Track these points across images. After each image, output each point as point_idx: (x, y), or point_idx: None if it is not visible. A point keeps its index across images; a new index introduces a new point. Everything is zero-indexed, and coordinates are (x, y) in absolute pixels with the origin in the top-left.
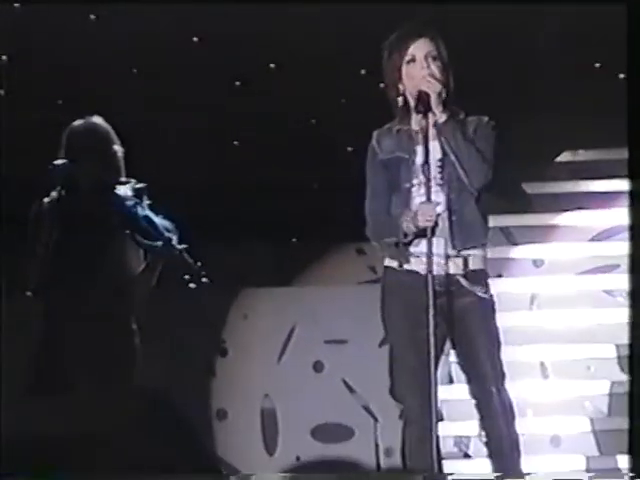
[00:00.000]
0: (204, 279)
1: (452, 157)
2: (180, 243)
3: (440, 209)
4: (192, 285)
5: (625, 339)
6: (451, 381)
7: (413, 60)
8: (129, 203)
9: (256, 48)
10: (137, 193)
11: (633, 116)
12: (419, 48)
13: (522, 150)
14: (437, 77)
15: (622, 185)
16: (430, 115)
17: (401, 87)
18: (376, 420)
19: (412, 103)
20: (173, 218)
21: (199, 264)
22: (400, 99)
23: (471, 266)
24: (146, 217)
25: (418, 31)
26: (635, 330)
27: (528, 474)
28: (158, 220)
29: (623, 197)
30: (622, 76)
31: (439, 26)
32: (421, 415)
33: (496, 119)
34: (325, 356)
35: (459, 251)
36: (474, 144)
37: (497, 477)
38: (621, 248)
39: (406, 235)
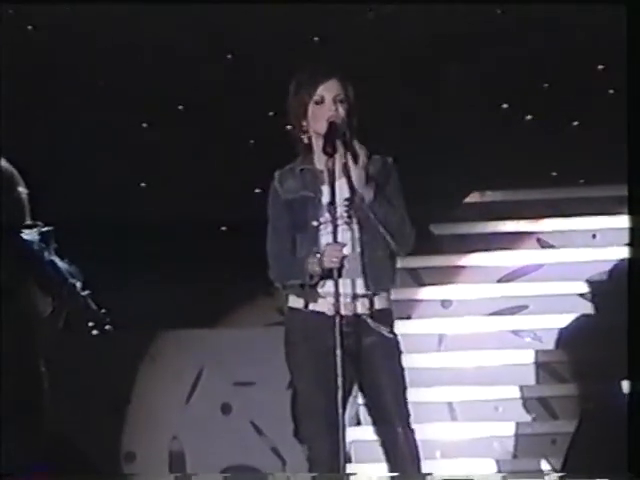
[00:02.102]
0: (107, 326)
1: (381, 230)
2: (85, 288)
3: (346, 250)
4: (95, 332)
5: (532, 380)
6: (359, 423)
7: (322, 101)
8: (35, 247)
9: (165, 90)
10: (43, 237)
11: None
12: (328, 89)
13: (429, 191)
14: (344, 120)
15: (529, 226)
16: (337, 155)
17: (305, 124)
18: (284, 462)
19: (316, 143)
20: (78, 263)
21: (103, 311)
22: (304, 137)
23: (377, 305)
24: (51, 262)
25: (328, 72)
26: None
27: None
28: (63, 265)
29: (531, 238)
30: (529, 117)
31: (347, 67)
32: (329, 458)
33: (403, 159)
34: (233, 398)
35: (370, 291)
36: (391, 202)
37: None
38: (529, 288)
39: (312, 277)
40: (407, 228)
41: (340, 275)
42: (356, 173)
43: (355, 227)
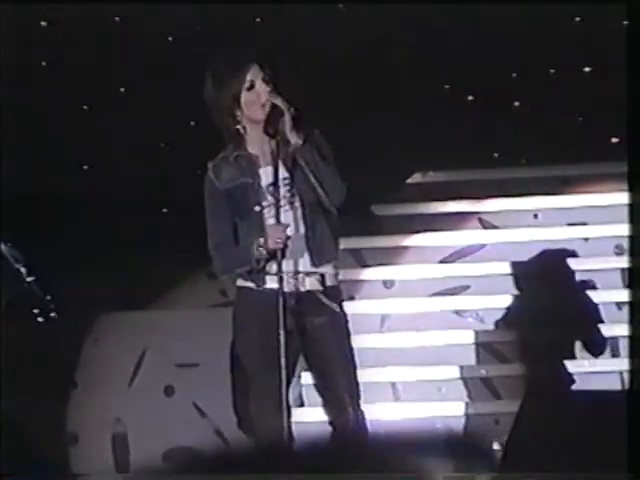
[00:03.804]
0: (52, 314)
1: (311, 178)
2: (30, 274)
3: (290, 230)
4: (40, 319)
5: (474, 360)
6: (302, 404)
7: (252, 86)
8: None
9: (108, 72)
10: None
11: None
12: (254, 73)
13: (372, 172)
14: (281, 98)
15: (471, 206)
16: (278, 135)
17: (238, 114)
18: (227, 444)
19: (250, 128)
20: (22, 247)
21: (48, 298)
22: (237, 127)
23: (328, 282)
24: None
25: (249, 57)
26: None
27: None
28: (6, 249)
29: (473, 218)
30: (471, 98)
31: (265, 51)
32: (274, 438)
33: (345, 140)
34: (176, 380)
35: (317, 267)
36: (327, 160)
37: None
38: (471, 269)
39: (258, 261)
40: (337, 179)
41: (284, 255)
42: (309, 155)
43: (298, 206)
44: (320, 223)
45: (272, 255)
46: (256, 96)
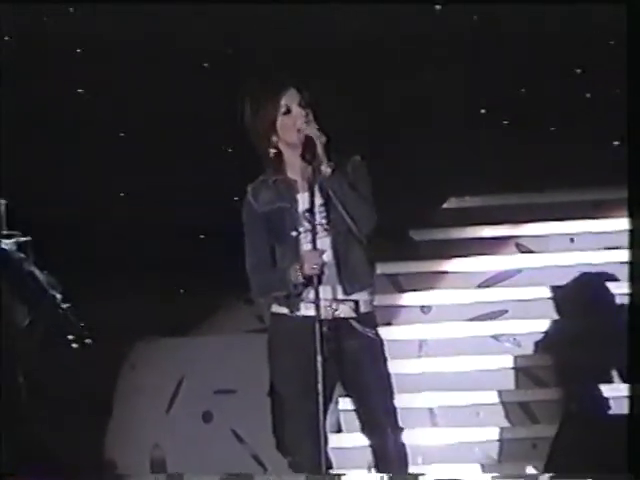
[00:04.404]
0: (87, 340)
1: (339, 207)
2: (65, 301)
3: (326, 256)
4: (75, 345)
5: (512, 385)
6: (340, 430)
7: (289, 111)
8: (13, 257)
9: (143, 99)
10: (21, 247)
11: None
12: (291, 98)
13: (409, 197)
14: (316, 124)
15: (508, 231)
16: (314, 162)
17: (274, 139)
18: (265, 469)
19: (287, 153)
20: (56, 274)
21: (82, 324)
22: (273, 151)
23: (362, 309)
24: (30, 273)
25: (285, 81)
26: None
27: None
28: (42, 276)
29: (510, 242)
30: (507, 122)
31: (302, 75)
32: (311, 464)
33: (381, 165)
34: (214, 406)
35: (349, 295)
36: (357, 189)
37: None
38: (508, 293)
39: (295, 286)
40: (366, 208)
41: (321, 282)
42: (337, 183)
43: (332, 232)
44: (354, 250)
45: (308, 281)
46: (292, 121)
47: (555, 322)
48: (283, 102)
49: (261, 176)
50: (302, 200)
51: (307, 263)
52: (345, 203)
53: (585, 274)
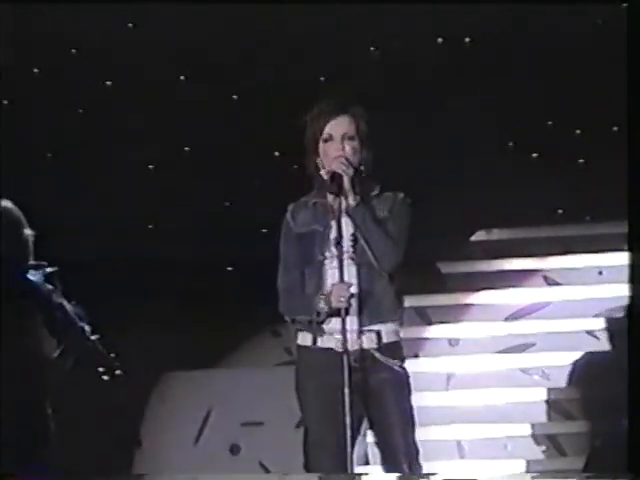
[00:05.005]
0: (118, 371)
1: (362, 241)
2: (94, 332)
3: (353, 289)
4: (105, 377)
5: (543, 418)
6: (367, 462)
7: (330, 139)
8: (42, 288)
9: (171, 131)
10: (48, 278)
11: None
12: (336, 127)
13: (436, 229)
14: (350, 160)
15: (536, 263)
16: (342, 195)
17: (319, 162)
18: None
19: (326, 180)
20: (85, 305)
21: (112, 355)
22: (319, 173)
23: (385, 339)
24: (59, 304)
25: (338, 108)
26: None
27: None
28: (70, 307)
29: (537, 275)
30: (535, 155)
31: (360, 103)
32: None
33: (409, 197)
34: (242, 438)
35: (369, 325)
36: (385, 225)
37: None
38: (536, 326)
39: (319, 314)
40: (390, 246)
41: (347, 313)
42: (360, 217)
43: (359, 263)
44: (379, 282)
45: (334, 312)
46: (331, 149)
47: (583, 355)
48: (326, 129)
49: (304, 197)
50: (345, 226)
51: (335, 295)
52: (368, 238)
53: (613, 307)
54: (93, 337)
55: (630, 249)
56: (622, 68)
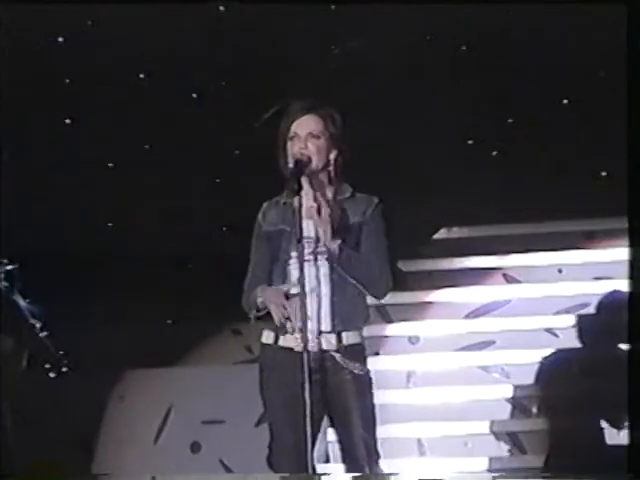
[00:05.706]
0: (64, 369)
1: (349, 279)
2: (44, 329)
3: (295, 291)
4: (52, 374)
5: (503, 415)
6: (328, 460)
7: (295, 136)
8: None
9: (132, 128)
10: (8, 275)
11: None
12: (301, 125)
13: (397, 228)
14: (312, 157)
15: (496, 262)
16: (302, 192)
17: (288, 159)
18: None
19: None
20: (43, 303)
21: (61, 352)
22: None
23: (345, 342)
24: (14, 302)
25: (305, 108)
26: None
27: None
28: (24, 304)
29: (497, 273)
30: (495, 153)
31: (330, 103)
32: None
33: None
34: (202, 436)
35: (335, 330)
36: (366, 250)
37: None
38: (496, 324)
39: (258, 310)
40: (376, 273)
41: (306, 315)
42: (322, 224)
43: (324, 264)
44: (353, 288)
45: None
46: (295, 147)
47: (543, 353)
48: (292, 128)
49: (277, 197)
50: (306, 226)
51: (267, 297)
52: (356, 277)
53: (574, 305)
54: (42, 334)
55: (630, 245)
56: (622, 68)
